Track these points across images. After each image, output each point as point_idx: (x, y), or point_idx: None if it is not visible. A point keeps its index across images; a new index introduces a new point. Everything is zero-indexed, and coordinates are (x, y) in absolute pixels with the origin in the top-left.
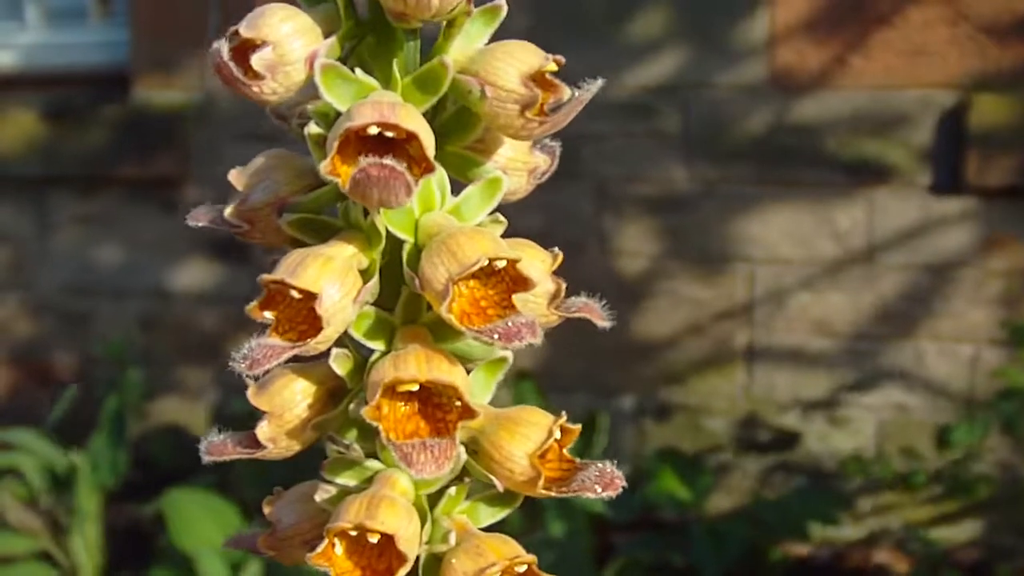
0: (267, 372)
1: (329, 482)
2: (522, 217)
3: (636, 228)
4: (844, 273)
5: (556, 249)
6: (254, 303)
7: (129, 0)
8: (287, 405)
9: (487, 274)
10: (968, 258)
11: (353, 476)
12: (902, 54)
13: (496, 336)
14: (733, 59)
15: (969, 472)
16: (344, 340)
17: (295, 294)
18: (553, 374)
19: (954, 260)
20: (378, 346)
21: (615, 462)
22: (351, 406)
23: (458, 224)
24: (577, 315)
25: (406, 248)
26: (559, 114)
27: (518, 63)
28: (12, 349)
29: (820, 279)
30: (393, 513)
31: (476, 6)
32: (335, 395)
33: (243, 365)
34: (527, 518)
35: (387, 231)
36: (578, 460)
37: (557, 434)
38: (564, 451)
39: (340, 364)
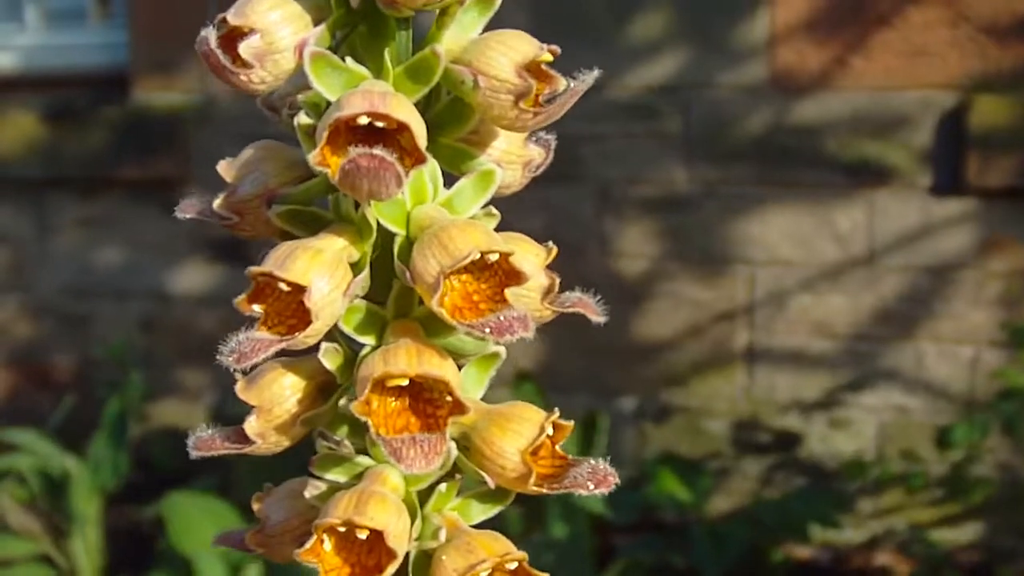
0: (256, 366)
1: (319, 478)
2: (523, 218)
3: (637, 229)
4: (844, 274)
5: (550, 243)
6: (242, 296)
7: (129, 1)
8: (276, 400)
9: (479, 268)
10: (968, 259)
11: (343, 472)
12: (902, 55)
13: (488, 330)
14: (733, 60)
15: (970, 474)
16: (334, 334)
17: (284, 287)
18: (554, 375)
19: (954, 261)
20: (369, 340)
21: (607, 457)
22: (341, 401)
23: (450, 217)
24: (571, 310)
25: (397, 241)
26: (554, 105)
27: (512, 52)
28: (12, 351)
29: (820, 280)
30: (382, 509)
31: None
32: (325, 390)
33: (231, 359)
34: (528, 519)
35: (378, 224)
36: (571, 457)
37: (549, 430)
38: (557, 448)
39: (330, 358)
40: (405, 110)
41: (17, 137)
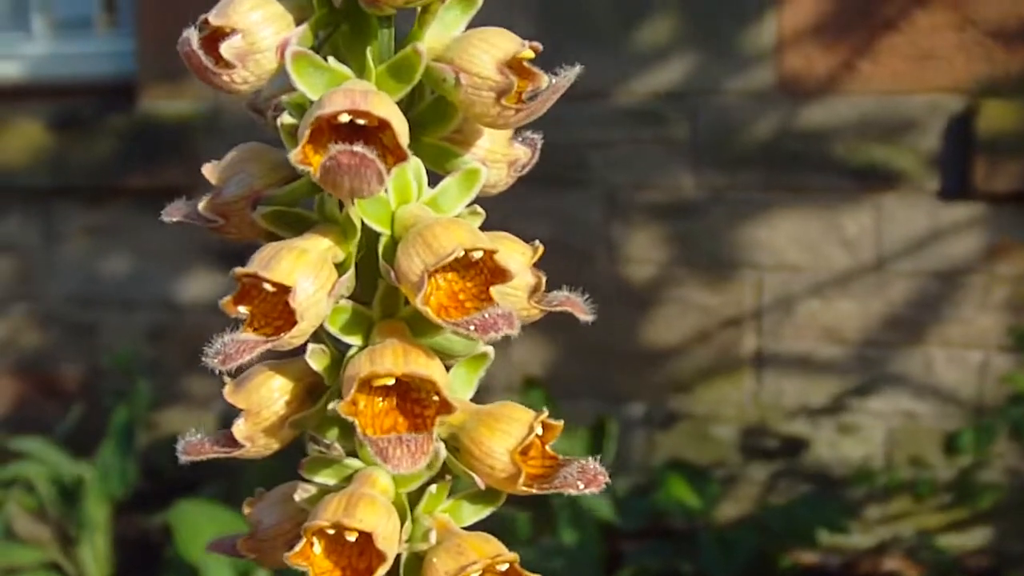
0: (243, 368)
1: (308, 481)
2: (530, 224)
3: (644, 235)
4: (852, 279)
5: (536, 242)
6: (228, 298)
7: (135, 10)
8: (264, 402)
9: (465, 266)
10: (976, 264)
11: (333, 475)
12: (909, 59)
13: (472, 328)
14: (741, 65)
15: (978, 479)
16: (321, 335)
17: (269, 288)
18: (562, 381)
19: (962, 266)
20: (355, 341)
21: (598, 458)
22: (331, 404)
23: (435, 215)
24: (558, 309)
25: (382, 240)
26: (536, 102)
27: (493, 49)
28: (19, 360)
29: (828, 285)
30: (371, 511)
31: None
32: (313, 392)
33: (216, 360)
34: (537, 525)
35: (363, 223)
36: (561, 457)
37: (538, 430)
38: (547, 448)
39: (317, 360)
40: (386, 107)
41: (24, 146)
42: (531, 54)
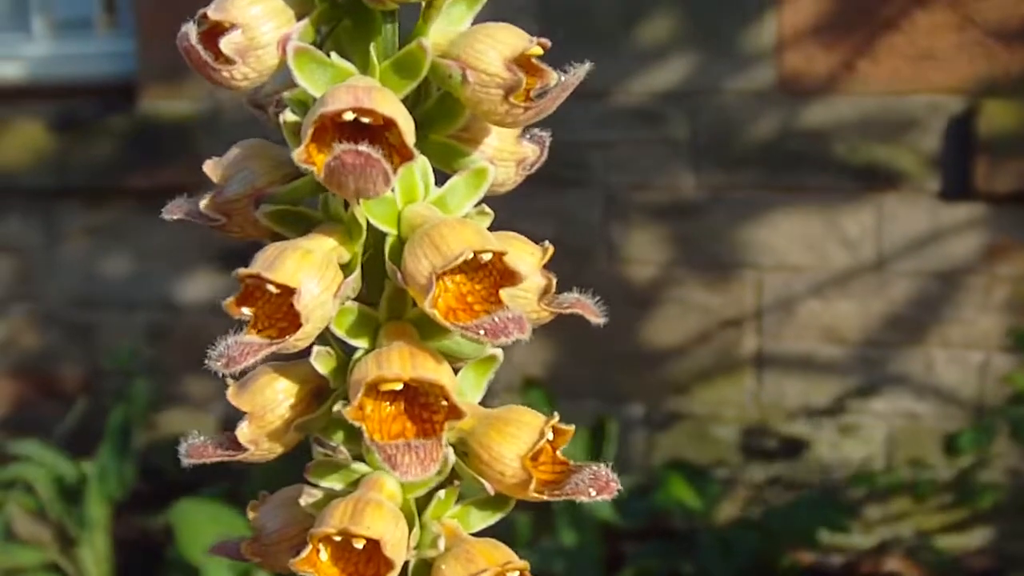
0: (247, 371)
1: (314, 485)
2: (531, 224)
3: (644, 235)
4: (853, 279)
5: (547, 243)
6: (231, 299)
7: (135, 10)
8: (269, 405)
9: (473, 268)
10: (977, 264)
11: (339, 479)
12: (910, 59)
13: (482, 332)
14: (741, 64)
15: (978, 479)
16: (327, 338)
17: (273, 289)
18: (562, 382)
19: (963, 266)
20: (362, 344)
21: (606, 463)
22: (336, 407)
23: (442, 215)
24: (569, 311)
25: (389, 241)
26: (545, 99)
27: (501, 46)
28: (19, 361)
29: (829, 286)
30: (379, 517)
31: None
32: (318, 395)
33: (219, 363)
34: (538, 526)
35: (368, 223)
36: (572, 462)
37: (549, 435)
38: (557, 453)
39: (322, 362)
40: (391, 105)
41: (25, 147)
42: (539, 51)
